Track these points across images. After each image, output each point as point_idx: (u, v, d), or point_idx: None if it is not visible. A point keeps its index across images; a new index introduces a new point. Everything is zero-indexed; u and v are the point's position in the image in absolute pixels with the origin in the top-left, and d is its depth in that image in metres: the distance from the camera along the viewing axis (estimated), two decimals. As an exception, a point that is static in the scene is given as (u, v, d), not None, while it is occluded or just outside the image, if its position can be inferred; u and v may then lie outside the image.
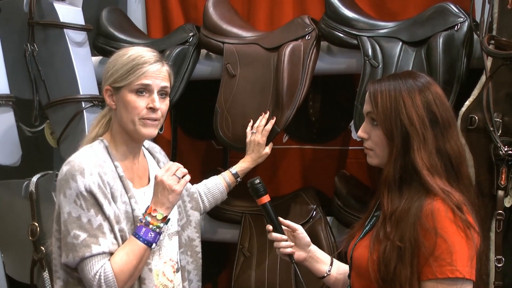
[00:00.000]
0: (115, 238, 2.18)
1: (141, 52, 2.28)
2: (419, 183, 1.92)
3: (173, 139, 3.52)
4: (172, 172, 2.25)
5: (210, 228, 3.13)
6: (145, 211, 2.23)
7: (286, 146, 3.42)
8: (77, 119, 2.93)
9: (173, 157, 3.48)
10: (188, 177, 2.29)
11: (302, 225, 2.84)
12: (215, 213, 3.06)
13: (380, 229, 1.95)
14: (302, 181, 3.37)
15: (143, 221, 2.21)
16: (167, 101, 2.33)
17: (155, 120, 2.28)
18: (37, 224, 2.98)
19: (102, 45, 3.30)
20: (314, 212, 2.91)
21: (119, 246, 2.19)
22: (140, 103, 2.25)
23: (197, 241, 2.58)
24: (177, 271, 2.42)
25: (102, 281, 2.13)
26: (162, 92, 2.30)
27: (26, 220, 3.01)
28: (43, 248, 2.95)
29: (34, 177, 3.03)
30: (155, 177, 2.25)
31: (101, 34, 3.33)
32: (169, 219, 2.26)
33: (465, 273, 1.84)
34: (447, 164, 1.95)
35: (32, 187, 2.99)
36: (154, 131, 2.30)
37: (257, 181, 2.29)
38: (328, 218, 2.93)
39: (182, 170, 2.28)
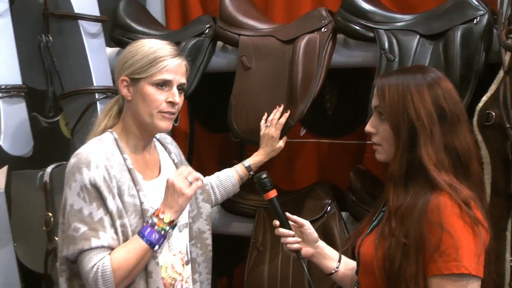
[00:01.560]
0: (116, 233, 2.17)
1: (162, 45, 2.27)
2: (425, 178, 1.89)
3: (191, 132, 3.50)
4: (183, 176, 2.24)
5: (224, 221, 3.12)
6: (153, 213, 2.22)
7: (303, 139, 3.39)
8: (90, 110, 2.93)
9: (190, 150, 3.47)
10: (199, 183, 2.27)
11: (316, 220, 2.86)
12: (230, 207, 3.05)
13: (385, 225, 1.93)
14: (318, 175, 3.34)
15: (150, 221, 2.20)
16: (182, 96, 2.32)
17: (172, 114, 2.27)
18: (51, 215, 2.98)
19: (119, 36, 3.30)
20: (329, 207, 2.88)
21: (119, 241, 2.17)
22: (160, 96, 2.24)
23: (208, 233, 2.56)
24: (186, 263, 2.40)
25: (99, 274, 2.12)
26: (180, 88, 2.29)
27: (40, 210, 3.02)
28: (56, 239, 2.95)
29: (48, 167, 3.03)
30: (167, 180, 2.24)
31: (118, 26, 3.32)
32: (175, 224, 2.24)
33: (471, 269, 1.80)
34: (455, 160, 1.91)
35: (46, 178, 2.99)
36: (170, 125, 2.30)
37: (264, 175, 2.26)
38: (343, 213, 2.90)
39: (194, 174, 2.27)
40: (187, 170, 2.27)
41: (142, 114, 2.26)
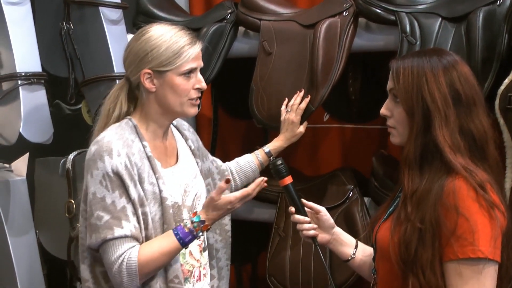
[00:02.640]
0: (138, 222, 2.18)
1: (179, 32, 2.27)
2: (440, 161, 1.86)
3: (214, 118, 3.50)
4: (244, 201, 2.29)
5: (246, 207, 3.10)
6: (195, 217, 2.22)
7: (326, 125, 3.37)
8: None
9: (213, 137, 3.47)
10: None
11: (338, 205, 2.85)
12: (252, 193, 3.04)
13: (401, 210, 1.91)
14: (342, 160, 3.33)
15: (188, 225, 2.20)
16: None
17: (198, 98, 2.31)
18: (73, 202, 3.00)
19: (142, 23, 3.26)
20: (351, 193, 2.86)
21: (141, 230, 2.18)
22: (189, 85, 2.27)
23: (227, 219, 2.56)
24: (203, 250, 2.40)
25: (124, 266, 2.13)
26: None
27: (63, 197, 3.04)
28: (78, 225, 2.98)
29: (71, 154, 3.05)
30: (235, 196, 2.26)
31: (140, 12, 3.32)
32: (209, 228, 2.26)
33: (488, 253, 1.78)
34: (471, 143, 1.88)
35: (68, 165, 3.01)
36: (197, 110, 2.34)
37: (279, 162, 2.24)
38: (366, 199, 2.88)
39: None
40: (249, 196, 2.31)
41: (172, 104, 2.27)
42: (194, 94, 2.29)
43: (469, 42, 2.48)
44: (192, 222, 2.19)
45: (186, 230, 2.19)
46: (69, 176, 3.01)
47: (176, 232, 2.19)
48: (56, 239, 3.13)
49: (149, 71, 2.25)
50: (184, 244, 2.18)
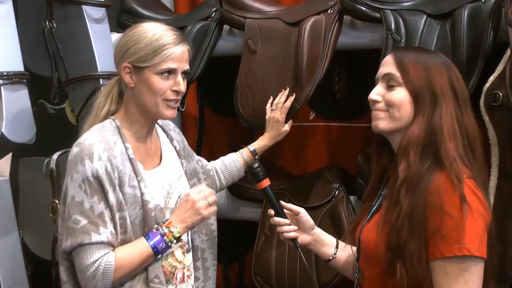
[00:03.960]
0: (115, 227, 2.16)
1: (165, 31, 2.24)
2: (434, 151, 1.87)
3: (200, 117, 3.48)
4: (205, 196, 2.26)
5: (232, 207, 3.11)
6: (164, 223, 2.23)
7: (312, 123, 3.35)
8: (95, 96, 2.89)
9: (199, 135, 3.45)
10: (215, 208, 2.31)
11: (324, 204, 2.84)
12: (238, 192, 3.04)
13: (393, 194, 1.89)
14: (328, 159, 3.32)
15: (160, 230, 2.20)
16: (185, 81, 2.29)
17: (177, 101, 2.27)
18: (57, 202, 2.97)
19: (126, 21, 3.25)
20: (337, 191, 2.85)
21: (117, 235, 2.16)
22: (165, 85, 2.22)
23: (213, 219, 2.55)
24: (187, 251, 2.38)
25: (101, 270, 2.12)
26: (183, 74, 2.27)
27: (47, 197, 3.02)
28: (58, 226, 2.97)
29: (55, 154, 3.03)
30: (187, 194, 2.27)
31: (125, 11, 3.30)
32: (180, 240, 2.25)
33: (474, 250, 1.78)
34: (464, 138, 1.90)
35: (52, 165, 3.00)
36: (175, 112, 2.29)
37: (256, 165, 2.23)
38: (352, 197, 2.86)
39: (214, 197, 2.30)
40: (208, 190, 2.30)
41: (147, 103, 2.24)
42: (171, 96, 2.23)
43: (454, 39, 2.47)
44: (163, 228, 2.21)
45: (155, 231, 2.20)
46: (53, 176, 2.99)
47: (146, 235, 2.20)
48: (40, 239, 3.12)
49: (128, 65, 2.22)
50: (152, 243, 2.18)
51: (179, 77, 2.24)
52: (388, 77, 1.97)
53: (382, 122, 1.97)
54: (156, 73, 2.20)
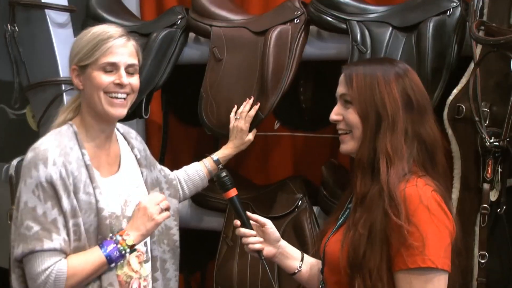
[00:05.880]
0: (68, 234, 2.11)
1: (105, 28, 2.22)
2: (377, 173, 1.87)
3: (164, 125, 3.45)
4: (156, 202, 2.25)
5: (196, 216, 3.07)
6: (118, 231, 2.20)
7: (277, 133, 3.34)
8: (57, 102, 2.87)
9: (163, 144, 3.42)
10: (168, 213, 2.30)
11: (287, 214, 2.82)
12: (201, 201, 3.01)
13: (352, 215, 1.90)
14: (293, 169, 3.30)
15: (114, 238, 2.17)
16: (136, 78, 2.25)
17: (123, 98, 2.21)
18: (16, 208, 2.93)
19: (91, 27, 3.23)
20: (300, 202, 2.84)
21: (70, 242, 2.12)
22: (106, 79, 2.18)
23: (175, 229, 2.52)
24: (145, 262, 2.34)
25: (52, 278, 2.08)
26: (130, 70, 2.22)
27: (6, 204, 2.96)
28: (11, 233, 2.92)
29: (14, 160, 2.98)
30: (138, 203, 2.24)
31: (90, 17, 3.25)
32: (135, 249, 2.22)
33: (438, 262, 1.78)
34: (422, 149, 1.90)
35: (11, 171, 2.95)
36: (123, 111, 2.23)
37: (224, 174, 2.21)
38: (315, 208, 2.85)
39: (166, 202, 2.29)
40: (161, 196, 2.29)
41: (92, 101, 2.20)
42: (112, 88, 2.18)
43: (419, 51, 2.48)
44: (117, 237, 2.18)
45: (109, 239, 2.17)
46: (12, 182, 2.95)
47: (100, 243, 2.17)
48: (-2, 247, 3.06)
49: (75, 67, 2.21)
50: (105, 251, 2.14)
51: (122, 70, 2.19)
52: (343, 97, 1.99)
53: (346, 145, 2.00)
54: (97, 69, 2.17)
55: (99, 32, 2.19)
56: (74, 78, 2.22)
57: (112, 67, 2.18)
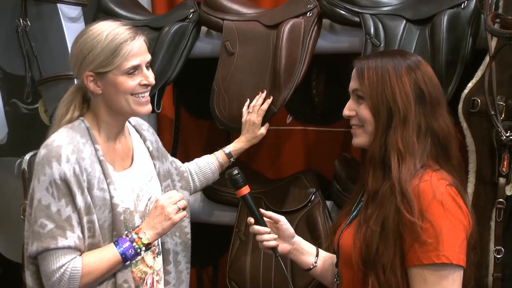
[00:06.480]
0: (82, 231, 2.11)
1: (116, 29, 2.16)
2: (388, 170, 1.87)
3: (176, 119, 3.44)
4: (174, 201, 2.24)
5: (207, 210, 3.07)
6: (134, 228, 2.19)
7: (289, 127, 3.33)
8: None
9: (175, 137, 3.42)
10: (185, 213, 2.29)
11: (300, 209, 2.81)
12: (213, 195, 3.00)
13: (363, 211, 1.89)
14: (305, 163, 3.29)
15: (129, 236, 2.17)
16: (151, 71, 2.25)
17: (147, 95, 2.22)
18: (28, 203, 2.93)
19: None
20: (313, 196, 2.82)
21: (84, 239, 2.11)
22: (134, 82, 2.17)
23: (186, 221, 2.51)
24: (157, 255, 2.35)
25: (67, 276, 2.07)
26: (148, 65, 2.22)
27: (19, 198, 2.96)
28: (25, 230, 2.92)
29: (27, 155, 2.98)
30: (156, 201, 2.23)
31: (101, 10, 3.24)
32: (150, 247, 2.22)
33: (452, 258, 1.76)
34: (436, 142, 1.88)
35: (24, 165, 2.94)
36: (150, 106, 2.25)
37: (236, 171, 2.18)
38: (328, 202, 2.84)
39: (184, 202, 2.27)
40: (179, 196, 2.27)
41: (119, 104, 2.18)
42: (140, 89, 2.18)
43: (433, 45, 2.46)
44: (133, 235, 2.18)
45: (124, 237, 2.17)
46: (25, 177, 2.94)
47: (116, 241, 2.16)
48: (11, 241, 3.07)
49: (90, 73, 2.16)
50: (120, 249, 2.14)
51: (145, 71, 2.19)
52: (355, 92, 1.98)
53: (358, 139, 2.00)
54: (121, 74, 2.15)
55: (113, 36, 2.14)
56: (89, 84, 2.17)
57: (134, 69, 2.17)
